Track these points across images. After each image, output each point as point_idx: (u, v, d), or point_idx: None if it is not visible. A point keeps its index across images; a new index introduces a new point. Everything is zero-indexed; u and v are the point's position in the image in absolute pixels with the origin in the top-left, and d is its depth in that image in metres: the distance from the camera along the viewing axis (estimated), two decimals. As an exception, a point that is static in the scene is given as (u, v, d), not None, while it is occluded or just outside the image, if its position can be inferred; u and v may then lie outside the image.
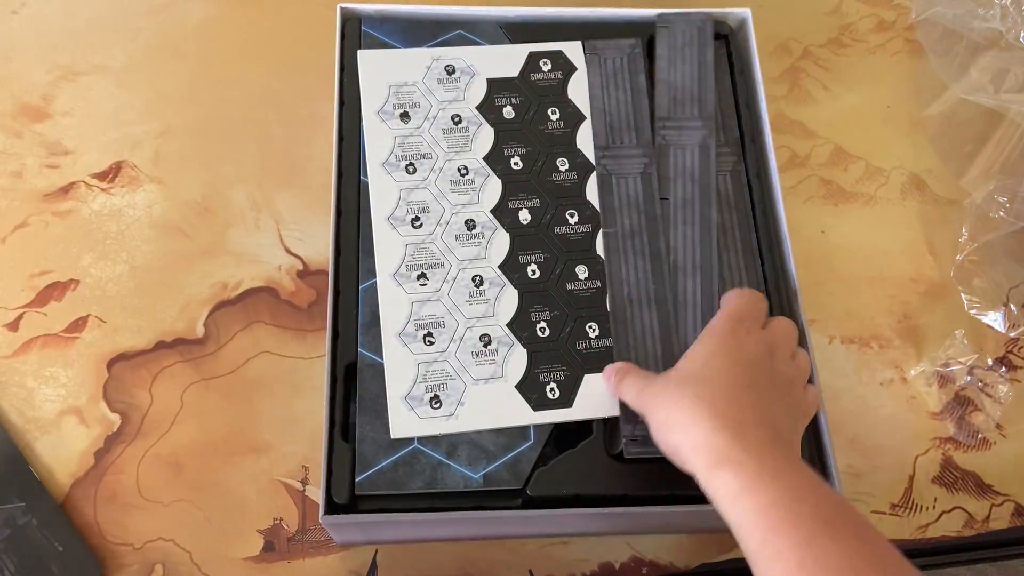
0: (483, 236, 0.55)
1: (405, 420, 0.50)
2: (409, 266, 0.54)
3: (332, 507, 0.49)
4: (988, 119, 0.68)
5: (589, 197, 0.57)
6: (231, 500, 0.56)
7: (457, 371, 0.52)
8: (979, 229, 0.64)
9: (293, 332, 0.61)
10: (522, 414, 0.51)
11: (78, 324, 0.61)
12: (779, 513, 0.39)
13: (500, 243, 0.55)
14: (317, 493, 0.56)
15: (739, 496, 0.41)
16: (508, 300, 0.54)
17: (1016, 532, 0.59)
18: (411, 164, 0.57)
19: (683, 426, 0.44)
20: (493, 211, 0.56)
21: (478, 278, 0.54)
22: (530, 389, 0.52)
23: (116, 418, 0.58)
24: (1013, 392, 0.62)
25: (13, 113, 0.68)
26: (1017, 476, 0.60)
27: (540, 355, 0.53)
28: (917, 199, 0.69)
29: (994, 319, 0.64)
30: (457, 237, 0.55)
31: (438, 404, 0.51)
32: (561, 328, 0.54)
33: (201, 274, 0.63)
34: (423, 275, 0.54)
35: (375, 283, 0.54)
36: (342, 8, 0.62)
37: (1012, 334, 0.64)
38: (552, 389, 0.52)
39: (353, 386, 0.52)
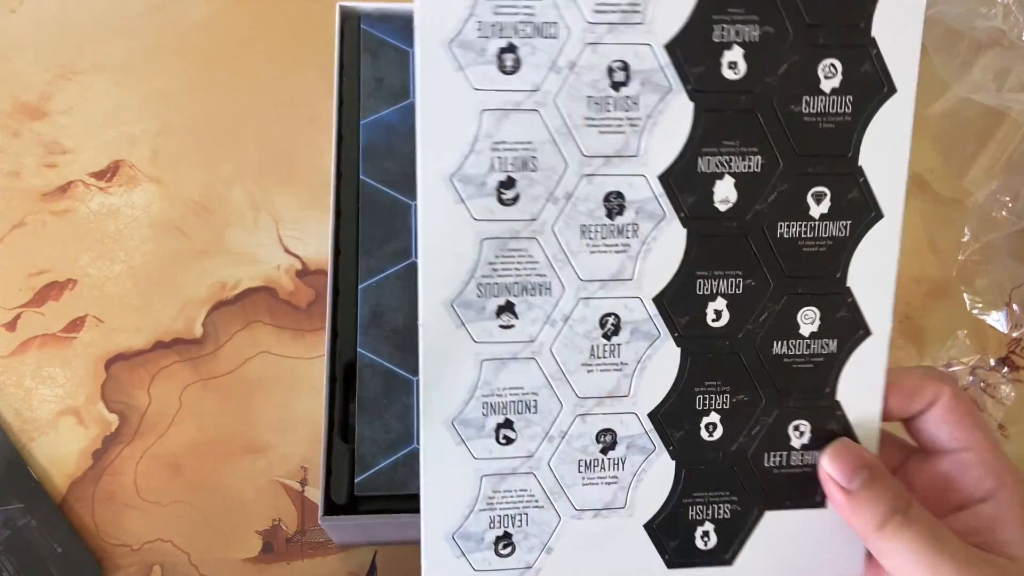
0: (635, 231, 0.30)
1: (449, 573, 0.32)
2: (483, 286, 0.30)
3: (331, 508, 0.49)
4: (990, 118, 0.68)
5: (864, 160, 0.30)
6: (230, 501, 0.56)
7: (550, 492, 0.31)
8: (981, 229, 0.64)
9: (292, 332, 0.61)
10: (647, 572, 0.32)
11: (76, 324, 0.61)
12: None
13: (666, 249, 0.30)
14: (316, 494, 0.56)
15: None
16: (662, 367, 0.31)
17: (1019, 533, 0.59)
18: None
19: None
20: (667, 176, 0.30)
21: (612, 320, 0.31)
22: (669, 531, 0.32)
23: (114, 418, 0.58)
24: (1015, 392, 0.62)
25: (11, 112, 0.68)
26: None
27: (698, 473, 0.32)
28: (919, 198, 0.69)
29: (996, 319, 0.64)
30: (585, 229, 0.30)
31: (508, 548, 0.32)
32: (745, 425, 0.32)
33: (199, 274, 0.63)
34: (508, 307, 0.30)
35: (375, 282, 0.53)
36: (341, 7, 0.61)
37: (1015, 334, 0.63)
38: (706, 535, 0.32)
39: (352, 386, 0.52)
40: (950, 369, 0.62)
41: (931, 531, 0.28)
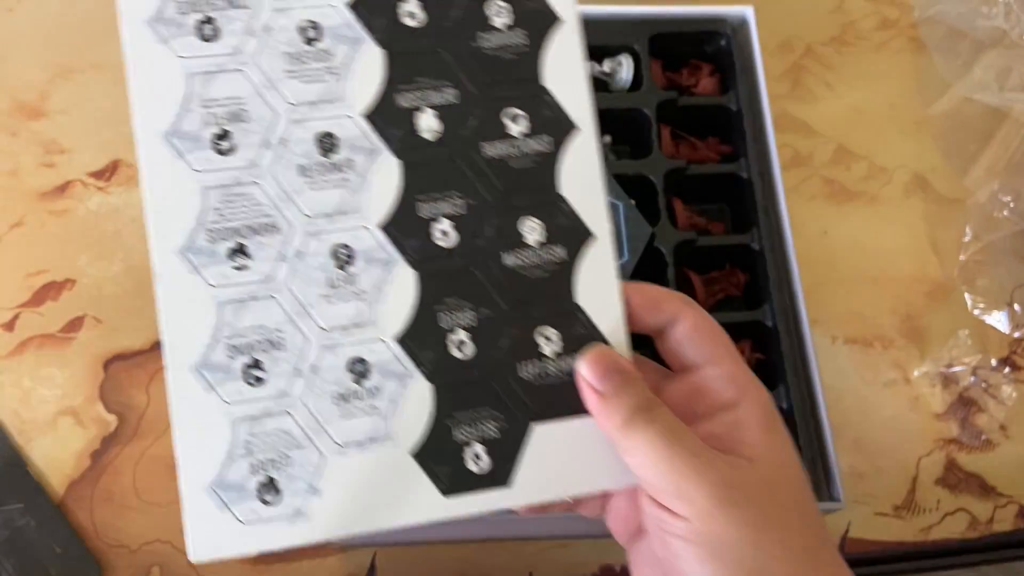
0: (351, 166, 0.32)
1: (212, 530, 0.30)
2: (212, 232, 0.31)
3: (330, 509, 0.49)
4: (992, 118, 0.68)
5: (548, 82, 0.34)
6: (229, 502, 0.56)
7: (308, 431, 0.31)
8: (983, 228, 0.64)
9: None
10: (424, 504, 0.31)
11: (74, 324, 0.60)
12: None
13: (384, 179, 0.32)
14: (315, 495, 0.56)
15: None
16: (399, 291, 0.32)
17: (1020, 534, 0.58)
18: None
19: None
20: (371, 115, 0.32)
21: (344, 251, 0.32)
22: (438, 457, 0.31)
23: (112, 419, 0.58)
24: (1017, 393, 0.62)
25: (9, 111, 0.68)
26: (1021, 478, 0.60)
27: (455, 392, 0.32)
28: (920, 198, 0.69)
29: (998, 319, 0.63)
30: (303, 169, 0.32)
31: (274, 495, 0.30)
32: (494, 339, 0.32)
33: (199, 274, 0.62)
34: (240, 249, 0.31)
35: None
36: (341, 5, 0.61)
37: (1016, 334, 0.63)
38: (477, 457, 0.31)
39: (351, 387, 0.52)
40: (951, 370, 0.62)
41: (670, 429, 0.29)
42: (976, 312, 0.64)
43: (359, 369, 0.31)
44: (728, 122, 0.62)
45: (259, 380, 0.31)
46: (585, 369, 0.31)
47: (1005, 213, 0.63)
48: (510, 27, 0.33)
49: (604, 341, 0.32)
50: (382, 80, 0.32)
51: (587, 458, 0.31)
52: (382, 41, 0.32)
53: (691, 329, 0.31)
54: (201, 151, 0.31)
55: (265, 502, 0.30)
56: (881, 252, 0.67)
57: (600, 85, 0.63)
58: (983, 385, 0.62)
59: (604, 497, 0.33)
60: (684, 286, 0.57)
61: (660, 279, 0.57)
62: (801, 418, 0.52)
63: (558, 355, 0.32)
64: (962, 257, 0.64)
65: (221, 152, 0.31)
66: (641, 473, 0.29)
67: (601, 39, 0.63)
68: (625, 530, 0.33)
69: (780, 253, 0.57)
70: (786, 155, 0.70)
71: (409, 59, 0.32)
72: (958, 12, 0.70)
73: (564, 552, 0.56)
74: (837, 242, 0.67)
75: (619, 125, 0.61)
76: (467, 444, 0.31)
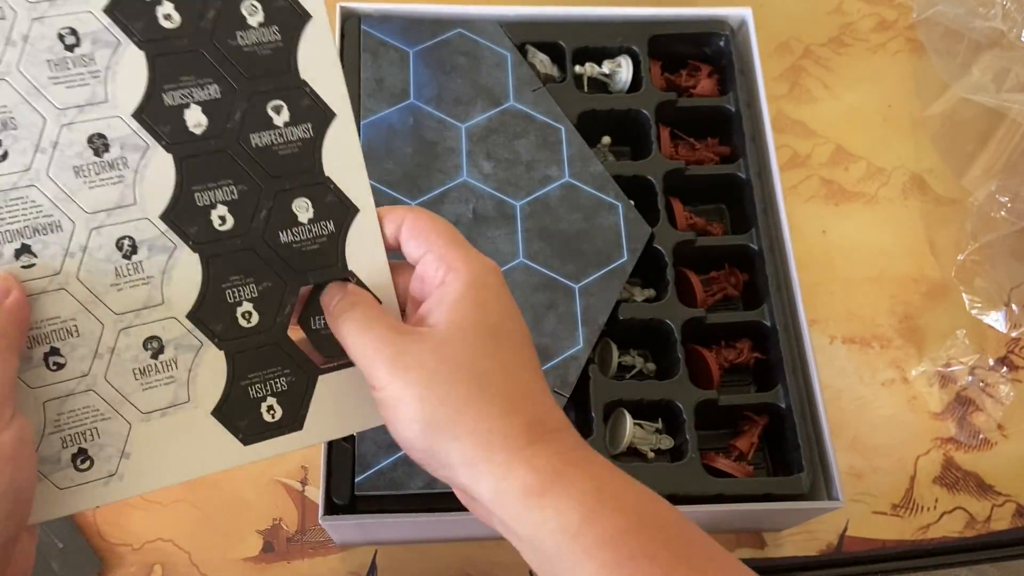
0: (125, 163, 0.34)
1: (35, 498, 0.33)
2: None
3: (332, 508, 0.49)
4: (989, 118, 0.68)
5: (304, 74, 0.36)
6: (230, 500, 0.56)
7: (112, 404, 0.34)
8: (980, 229, 0.64)
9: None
10: (228, 453, 0.35)
11: (77, 324, 0.61)
12: (634, 543, 0.31)
13: (159, 173, 0.34)
14: (316, 493, 0.56)
15: (579, 530, 0.31)
16: (185, 274, 0.35)
17: (1017, 533, 0.59)
18: None
19: (475, 432, 0.32)
20: (139, 113, 0.34)
21: (128, 242, 0.34)
22: (236, 413, 0.35)
23: (115, 418, 0.58)
24: (1014, 392, 0.62)
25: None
26: (1018, 477, 0.60)
27: (246, 356, 0.36)
28: (918, 199, 0.69)
29: (995, 319, 0.64)
30: (78, 170, 0.33)
31: (86, 463, 0.34)
32: (277, 308, 0.36)
33: (200, 274, 0.63)
34: (25, 248, 0.33)
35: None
36: (342, 7, 0.62)
37: (1013, 334, 0.63)
38: (271, 408, 0.36)
39: (352, 386, 0.52)
40: (949, 369, 0.63)
41: (367, 317, 0.34)
42: (974, 312, 0.64)
43: (154, 346, 0.34)
44: (727, 123, 0.62)
45: (60, 365, 0.33)
46: (325, 298, 0.36)
47: (1003, 213, 0.63)
48: (263, 24, 0.35)
49: (375, 295, 0.37)
50: (147, 80, 0.34)
51: (367, 398, 0.35)
52: (143, 43, 0.34)
53: (409, 229, 0.36)
54: None
55: (79, 469, 0.33)
56: (879, 252, 0.67)
57: (600, 86, 0.64)
58: (980, 384, 0.62)
59: None
60: (683, 286, 0.57)
61: (659, 279, 0.57)
62: (800, 417, 0.53)
63: None
64: (960, 257, 0.64)
65: None
66: (357, 364, 0.34)
67: (601, 40, 0.63)
68: None
69: (779, 253, 0.58)
70: (784, 156, 0.70)
71: (171, 59, 0.34)
72: (956, 13, 0.70)
73: (564, 550, 0.56)
74: (835, 242, 0.67)
75: (619, 126, 0.62)
76: (262, 400, 0.35)
